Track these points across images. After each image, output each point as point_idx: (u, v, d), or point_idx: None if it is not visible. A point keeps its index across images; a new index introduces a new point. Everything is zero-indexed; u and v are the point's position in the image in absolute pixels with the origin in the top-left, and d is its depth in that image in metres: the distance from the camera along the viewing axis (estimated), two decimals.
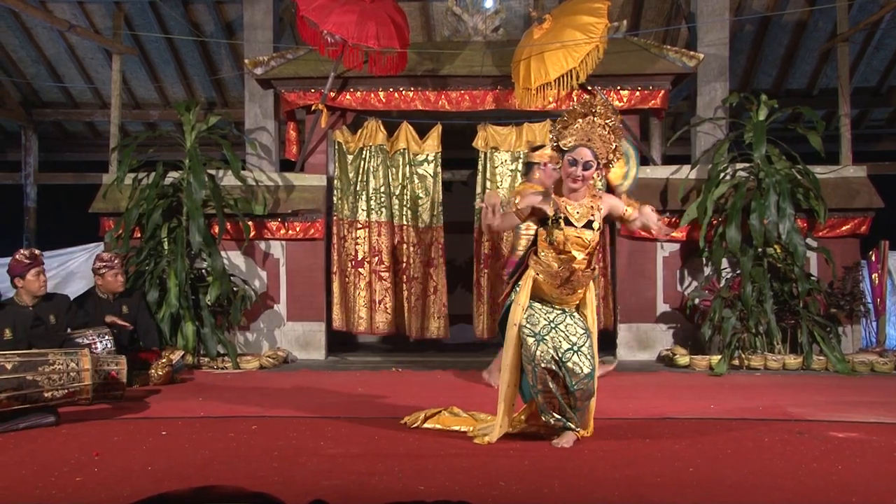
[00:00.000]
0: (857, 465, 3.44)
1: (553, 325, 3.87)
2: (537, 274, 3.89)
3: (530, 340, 3.83)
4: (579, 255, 3.81)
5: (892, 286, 7.66)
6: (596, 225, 3.84)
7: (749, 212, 6.96)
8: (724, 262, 7.20)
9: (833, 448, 3.78)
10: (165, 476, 3.26)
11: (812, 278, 7.08)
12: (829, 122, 10.12)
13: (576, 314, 3.97)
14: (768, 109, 7.27)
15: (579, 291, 3.93)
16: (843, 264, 7.37)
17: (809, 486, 3.11)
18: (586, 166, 3.77)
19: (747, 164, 7.29)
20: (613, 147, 3.81)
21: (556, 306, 3.93)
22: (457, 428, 4.18)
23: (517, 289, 3.97)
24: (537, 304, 3.93)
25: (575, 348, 3.81)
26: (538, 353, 3.79)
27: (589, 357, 3.83)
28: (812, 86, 10.63)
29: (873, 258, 7.58)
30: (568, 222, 3.80)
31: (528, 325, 3.86)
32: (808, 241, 7.08)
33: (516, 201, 4.03)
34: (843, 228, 7.46)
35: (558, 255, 3.83)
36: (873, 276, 7.55)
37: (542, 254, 3.88)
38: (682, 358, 7.03)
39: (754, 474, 3.30)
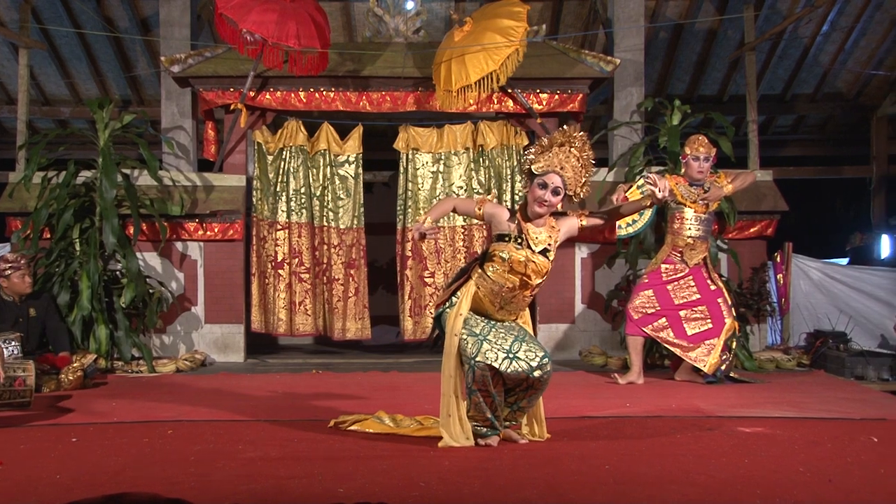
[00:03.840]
0: (762, 459, 3.60)
1: (491, 325, 3.89)
2: (478, 288, 3.89)
3: (471, 340, 3.81)
4: (535, 280, 3.84)
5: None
6: (551, 255, 3.87)
7: (664, 214, 7.15)
8: (641, 263, 7.39)
9: (740, 443, 3.94)
10: (76, 484, 3.16)
11: (723, 279, 7.32)
12: (739, 128, 10.50)
13: (507, 322, 4.00)
14: (682, 114, 7.49)
15: (515, 314, 3.98)
16: (750, 265, 7.66)
17: (719, 480, 3.24)
18: (555, 192, 3.78)
19: (662, 168, 7.49)
20: (583, 181, 3.85)
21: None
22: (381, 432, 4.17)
23: (454, 299, 3.94)
24: (471, 313, 3.92)
25: (521, 338, 3.85)
26: (479, 351, 3.76)
27: (536, 342, 3.88)
28: (723, 92, 11.03)
29: (778, 259, 7.89)
30: (527, 244, 3.83)
31: (465, 329, 3.85)
32: (718, 242, 7.33)
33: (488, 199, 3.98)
34: (751, 230, 7.73)
35: (513, 274, 3.82)
36: (778, 276, 7.86)
37: (492, 269, 3.85)
38: (599, 358, 7.19)
39: (668, 470, 3.40)
